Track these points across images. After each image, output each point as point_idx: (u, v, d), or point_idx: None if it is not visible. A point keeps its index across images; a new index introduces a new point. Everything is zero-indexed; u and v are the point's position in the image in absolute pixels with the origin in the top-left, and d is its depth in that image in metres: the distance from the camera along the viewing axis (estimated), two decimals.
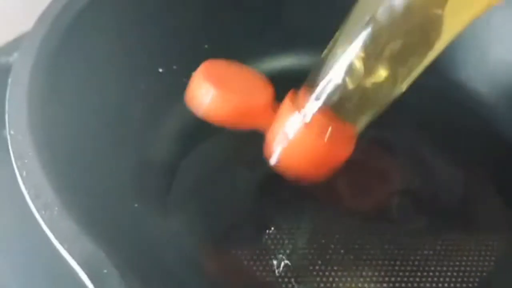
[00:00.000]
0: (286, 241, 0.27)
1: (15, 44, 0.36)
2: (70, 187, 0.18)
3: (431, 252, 0.27)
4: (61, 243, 0.16)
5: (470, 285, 0.26)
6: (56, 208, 0.16)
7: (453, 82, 0.35)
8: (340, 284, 0.26)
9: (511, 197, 0.30)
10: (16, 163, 0.18)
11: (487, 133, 0.33)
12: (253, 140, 0.32)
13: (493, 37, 0.34)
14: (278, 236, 0.28)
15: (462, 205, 0.29)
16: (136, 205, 0.27)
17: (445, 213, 0.29)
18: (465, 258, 0.27)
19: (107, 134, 0.27)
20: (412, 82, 0.27)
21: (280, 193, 0.29)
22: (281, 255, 0.27)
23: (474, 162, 0.32)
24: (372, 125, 0.33)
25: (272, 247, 0.27)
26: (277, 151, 0.27)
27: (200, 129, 0.32)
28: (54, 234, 0.16)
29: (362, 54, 0.24)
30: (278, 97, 0.36)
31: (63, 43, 0.25)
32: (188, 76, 0.33)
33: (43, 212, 0.16)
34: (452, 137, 0.33)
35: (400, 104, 0.35)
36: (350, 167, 0.30)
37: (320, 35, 0.36)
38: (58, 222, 0.16)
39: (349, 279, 0.26)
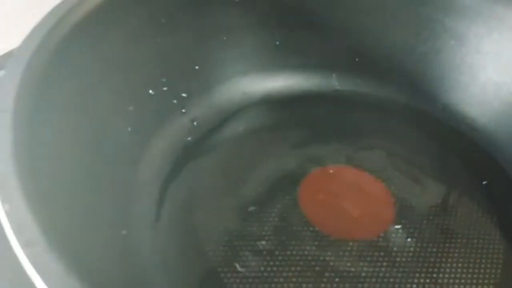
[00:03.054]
0: (280, 268, 0.27)
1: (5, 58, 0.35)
2: (56, 221, 0.17)
3: (427, 281, 0.26)
4: (46, 284, 0.15)
5: None
6: (41, 246, 0.15)
7: (443, 104, 0.35)
8: None
9: (507, 224, 0.30)
10: None
11: (478, 154, 0.33)
12: (242, 160, 0.32)
13: (483, 60, 0.34)
14: (271, 263, 0.27)
15: (457, 232, 0.29)
16: (124, 232, 0.26)
17: (441, 240, 0.28)
18: (462, 286, 0.26)
19: (94, 160, 0.26)
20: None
21: (272, 217, 0.29)
22: (274, 284, 0.26)
23: (467, 184, 0.32)
24: (365, 152, 0.33)
25: (266, 274, 0.26)
26: None
27: (189, 150, 0.32)
28: (39, 274, 0.15)
29: None
30: (268, 117, 0.36)
31: (51, 65, 0.24)
32: (177, 97, 0.33)
33: (27, 250, 0.15)
34: (442, 160, 0.33)
35: (390, 128, 0.35)
36: (344, 195, 0.30)
37: (313, 55, 0.36)
38: (42, 260, 0.15)
39: None
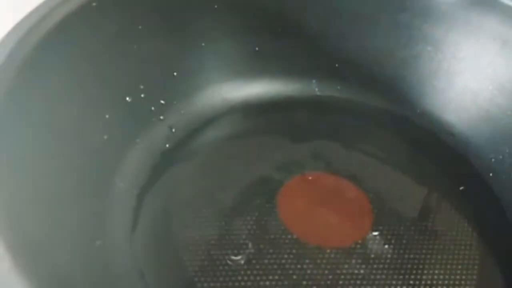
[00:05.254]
0: (258, 278, 0.26)
1: None
2: (23, 234, 0.17)
3: (404, 287, 0.27)
4: None
5: None
6: (6, 261, 0.15)
7: (421, 110, 0.35)
8: None
9: (484, 230, 0.30)
10: None
11: (455, 160, 0.34)
12: (221, 167, 0.32)
13: (459, 66, 0.34)
14: (249, 272, 0.27)
15: (434, 237, 0.29)
16: (98, 242, 0.25)
17: (418, 246, 0.29)
18: None
19: (68, 169, 0.25)
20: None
21: (250, 225, 0.29)
22: None
23: (445, 189, 0.32)
24: (344, 158, 0.33)
25: (243, 283, 0.26)
26: None
27: (167, 157, 0.31)
28: None
29: None
30: (248, 123, 0.36)
31: (22, 71, 0.24)
32: (155, 104, 0.32)
33: None
34: (421, 166, 0.33)
35: (370, 133, 0.35)
36: (322, 202, 0.30)
37: (293, 61, 0.36)
38: (7, 277, 0.15)
39: None
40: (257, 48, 0.35)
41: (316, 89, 0.37)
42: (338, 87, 0.37)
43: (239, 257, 0.27)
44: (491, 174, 0.32)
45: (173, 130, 0.33)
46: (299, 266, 0.27)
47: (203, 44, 0.34)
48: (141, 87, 0.31)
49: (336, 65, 0.36)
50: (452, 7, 0.33)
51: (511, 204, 0.31)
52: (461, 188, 0.32)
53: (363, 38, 0.36)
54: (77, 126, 0.27)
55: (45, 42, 0.26)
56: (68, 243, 0.23)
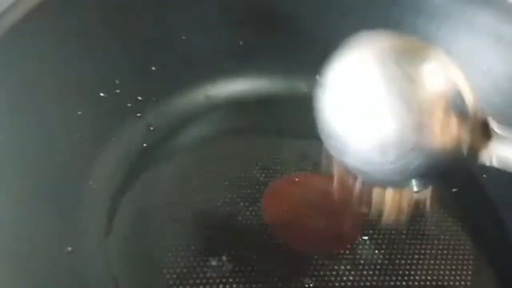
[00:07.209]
0: (240, 286, 0.25)
1: None
2: None
3: None
4: None
5: None
6: None
7: None
8: None
9: (477, 232, 0.29)
10: None
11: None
12: (202, 169, 0.30)
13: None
14: (231, 280, 0.25)
15: (426, 242, 0.28)
16: (69, 248, 0.24)
17: (410, 251, 0.27)
18: None
19: (36, 169, 0.24)
20: None
21: (232, 230, 0.27)
22: None
23: (437, 191, 0.31)
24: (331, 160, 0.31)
25: None
26: None
27: (144, 158, 0.30)
28: None
29: None
30: (231, 121, 0.34)
31: None
32: (132, 100, 0.31)
33: None
34: None
35: None
36: (309, 205, 0.29)
37: (280, 56, 0.35)
38: None
39: None
40: (241, 43, 0.34)
41: (304, 87, 0.35)
42: None
43: (220, 264, 0.26)
44: (485, 176, 0.31)
45: (151, 128, 0.31)
46: (284, 273, 0.26)
47: (183, 37, 0.32)
48: (117, 82, 0.30)
49: (325, 61, 0.35)
50: (445, 2, 0.32)
51: (506, 206, 0.30)
52: (454, 190, 0.31)
53: (353, 33, 0.34)
54: (45, 124, 0.26)
55: (8, 35, 0.24)
56: (36, 248, 0.22)
